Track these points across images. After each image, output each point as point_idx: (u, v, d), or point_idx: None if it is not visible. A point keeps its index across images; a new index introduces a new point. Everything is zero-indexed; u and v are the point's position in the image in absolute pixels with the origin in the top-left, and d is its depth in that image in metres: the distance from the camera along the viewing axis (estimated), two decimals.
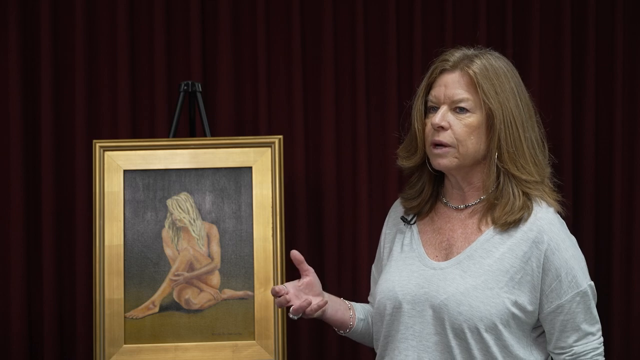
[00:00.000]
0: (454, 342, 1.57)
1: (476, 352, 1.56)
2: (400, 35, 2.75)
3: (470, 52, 1.66)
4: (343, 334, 1.80)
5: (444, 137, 1.62)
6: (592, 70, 2.77)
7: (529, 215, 1.61)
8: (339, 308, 1.77)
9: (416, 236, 1.71)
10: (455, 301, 1.57)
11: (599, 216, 2.79)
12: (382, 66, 2.74)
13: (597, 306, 1.64)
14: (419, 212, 1.74)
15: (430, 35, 2.75)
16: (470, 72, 1.60)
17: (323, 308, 1.67)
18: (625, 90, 2.78)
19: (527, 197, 1.62)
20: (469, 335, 1.56)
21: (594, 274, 2.72)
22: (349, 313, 1.79)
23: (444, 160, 1.63)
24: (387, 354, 1.69)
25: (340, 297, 1.85)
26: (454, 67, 1.63)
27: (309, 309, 1.65)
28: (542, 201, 1.63)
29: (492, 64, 1.62)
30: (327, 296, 1.77)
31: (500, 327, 1.56)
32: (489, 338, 1.56)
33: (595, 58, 2.77)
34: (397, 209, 1.81)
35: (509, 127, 1.59)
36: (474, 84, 1.60)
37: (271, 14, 2.72)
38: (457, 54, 1.65)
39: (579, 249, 1.63)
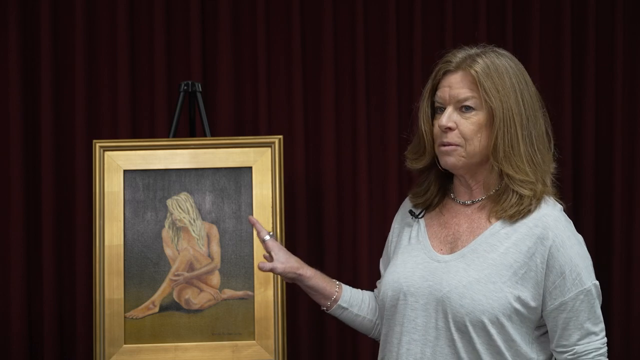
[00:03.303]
0: (456, 335, 1.58)
1: (479, 345, 1.57)
2: (400, 35, 2.75)
3: (473, 51, 1.66)
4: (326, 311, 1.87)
5: (451, 137, 1.63)
6: (592, 70, 2.77)
7: (530, 211, 1.61)
8: (323, 288, 1.84)
9: (423, 229, 1.73)
10: (458, 294, 1.58)
11: (599, 216, 2.79)
12: (382, 66, 2.74)
13: None
14: (427, 207, 1.75)
15: (430, 35, 2.75)
16: (472, 71, 1.62)
17: (298, 273, 1.80)
18: (625, 90, 2.78)
19: (533, 194, 1.62)
20: (470, 328, 1.57)
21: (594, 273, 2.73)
22: (328, 302, 1.84)
23: (451, 159, 1.64)
24: (388, 347, 1.69)
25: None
26: (457, 68, 1.64)
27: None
28: (549, 198, 1.64)
29: (494, 61, 1.63)
30: (317, 275, 1.84)
31: (504, 320, 1.56)
32: (493, 331, 1.56)
33: (595, 58, 2.77)
34: (407, 205, 1.84)
35: (507, 125, 1.60)
36: (476, 83, 1.61)
37: (271, 14, 2.72)
38: (459, 55, 1.66)
39: (585, 248, 1.63)
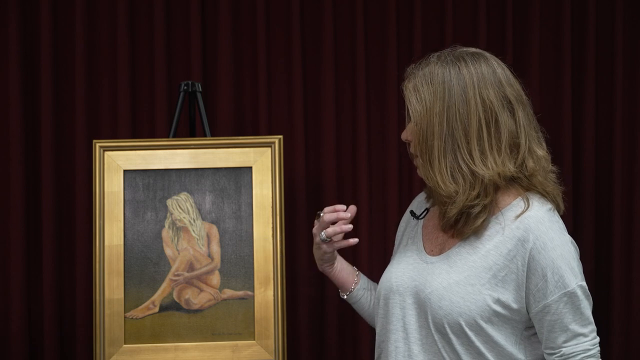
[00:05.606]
0: (436, 336, 1.60)
1: (458, 346, 1.58)
2: (400, 35, 2.75)
3: (420, 63, 1.68)
4: (345, 298, 1.90)
5: (411, 148, 1.68)
6: (592, 70, 2.77)
7: (483, 224, 1.61)
8: (346, 268, 1.89)
9: (419, 231, 1.74)
10: (437, 295, 1.59)
11: (599, 216, 2.79)
12: (382, 66, 2.74)
13: (597, 306, 1.63)
14: (430, 208, 1.76)
15: (431, 35, 2.75)
16: (404, 87, 1.67)
17: (334, 261, 1.84)
18: (625, 90, 2.78)
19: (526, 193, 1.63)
20: (448, 330, 1.58)
21: (594, 274, 2.73)
22: (354, 278, 1.89)
23: (418, 171, 1.67)
24: (381, 344, 1.72)
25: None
26: (407, 81, 1.69)
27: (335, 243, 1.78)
28: (536, 198, 1.63)
29: (426, 72, 1.64)
30: (340, 258, 1.88)
31: (482, 323, 1.57)
32: (470, 333, 1.57)
33: (595, 58, 2.77)
34: (414, 204, 1.84)
35: (423, 135, 1.61)
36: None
37: (271, 14, 2.72)
38: (407, 70, 1.69)
39: (573, 248, 1.61)
